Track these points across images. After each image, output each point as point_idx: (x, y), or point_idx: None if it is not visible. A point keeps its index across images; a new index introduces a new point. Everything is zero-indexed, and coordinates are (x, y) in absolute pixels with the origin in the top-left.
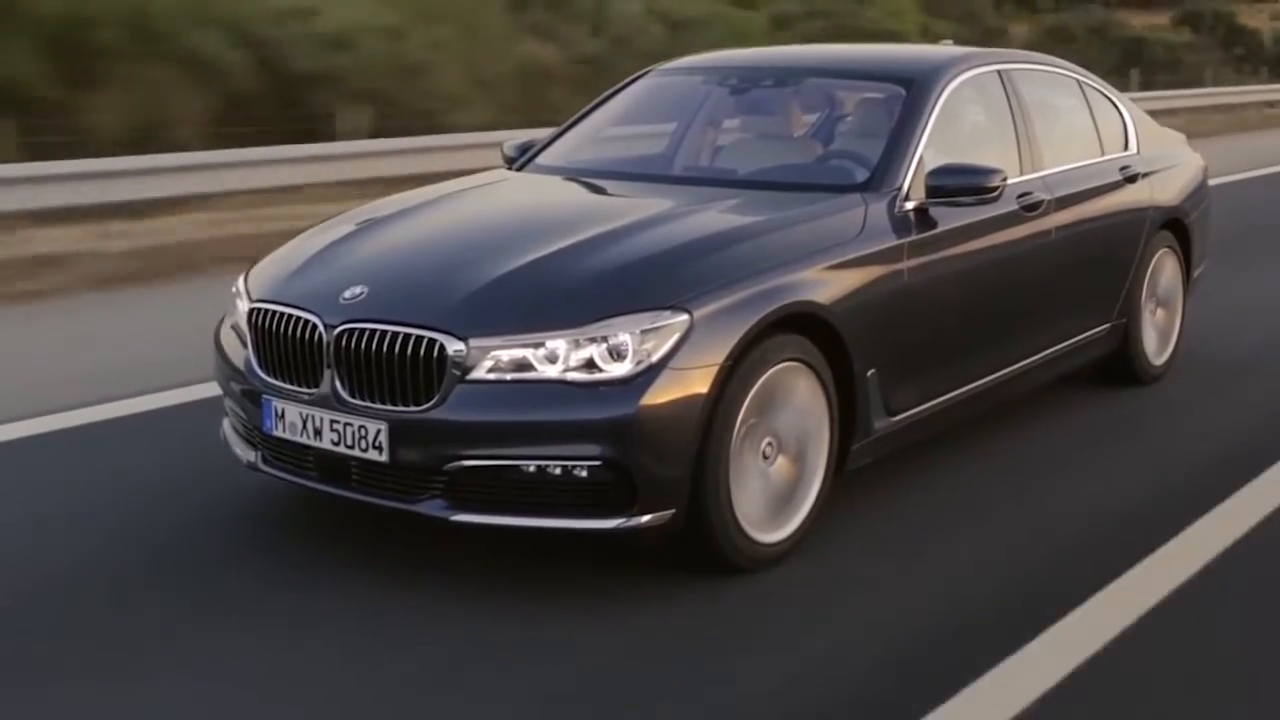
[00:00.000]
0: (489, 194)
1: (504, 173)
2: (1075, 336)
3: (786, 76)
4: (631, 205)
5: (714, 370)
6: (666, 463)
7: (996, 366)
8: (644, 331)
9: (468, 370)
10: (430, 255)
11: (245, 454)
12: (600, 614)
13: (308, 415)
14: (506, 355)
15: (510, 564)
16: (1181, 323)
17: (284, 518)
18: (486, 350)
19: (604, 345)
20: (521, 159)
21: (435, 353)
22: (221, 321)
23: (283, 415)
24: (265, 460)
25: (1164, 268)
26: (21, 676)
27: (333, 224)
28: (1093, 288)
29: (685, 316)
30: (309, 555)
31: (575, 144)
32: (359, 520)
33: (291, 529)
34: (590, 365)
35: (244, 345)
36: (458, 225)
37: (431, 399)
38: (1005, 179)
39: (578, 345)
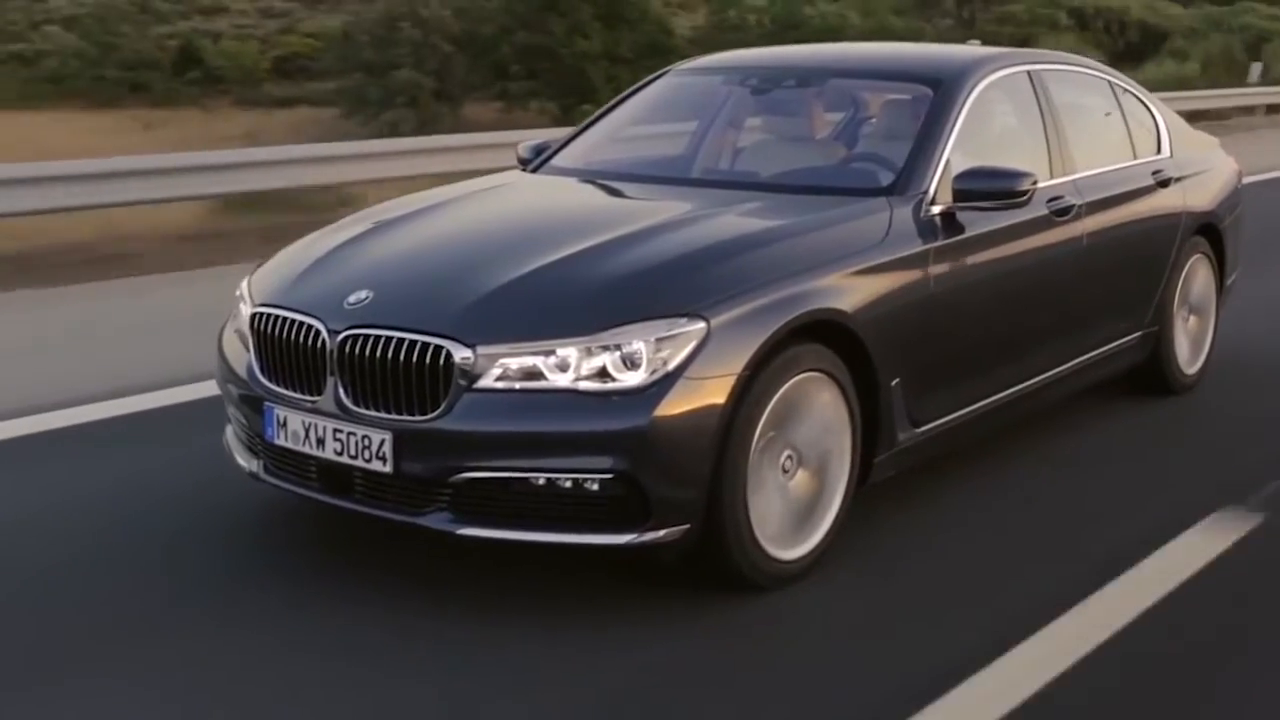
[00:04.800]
0: (501, 196)
1: (518, 174)
2: (1106, 345)
3: (809, 77)
4: (648, 208)
5: (731, 380)
6: (681, 476)
7: (1025, 376)
8: (659, 339)
9: (475, 378)
10: (438, 259)
11: (247, 463)
12: (612, 635)
13: (310, 424)
14: (515, 363)
15: (516, 576)
16: (1215, 331)
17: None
18: (495, 358)
19: (617, 353)
20: (536, 160)
21: (441, 360)
22: (224, 326)
23: (285, 423)
24: (267, 470)
25: (1197, 274)
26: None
27: (339, 227)
28: (1124, 295)
29: (702, 324)
30: (310, 568)
31: (592, 145)
32: (361, 531)
33: (295, 538)
34: (603, 374)
35: (246, 350)
36: (468, 229)
37: (437, 408)
38: (1035, 183)
39: (590, 353)
